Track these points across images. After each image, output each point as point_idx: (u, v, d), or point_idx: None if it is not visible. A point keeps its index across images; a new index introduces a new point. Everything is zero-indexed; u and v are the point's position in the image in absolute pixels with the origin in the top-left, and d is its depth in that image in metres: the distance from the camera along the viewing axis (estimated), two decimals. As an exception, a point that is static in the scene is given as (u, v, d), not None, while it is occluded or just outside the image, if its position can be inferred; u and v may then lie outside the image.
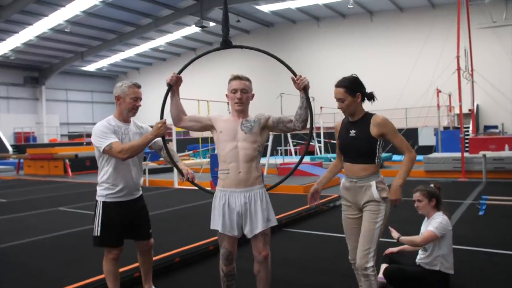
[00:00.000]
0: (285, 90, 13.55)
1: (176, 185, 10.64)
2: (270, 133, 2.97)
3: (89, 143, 22.51)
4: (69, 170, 16.16)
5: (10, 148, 24.36)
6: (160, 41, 26.73)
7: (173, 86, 2.81)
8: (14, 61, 28.47)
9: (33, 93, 31.79)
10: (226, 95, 2.81)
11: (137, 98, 3.02)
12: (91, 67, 32.55)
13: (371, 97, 2.75)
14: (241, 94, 2.70)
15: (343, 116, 2.82)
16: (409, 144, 2.73)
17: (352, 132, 2.68)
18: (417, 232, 3.38)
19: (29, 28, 22.20)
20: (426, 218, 3.38)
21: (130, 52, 28.92)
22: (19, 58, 27.92)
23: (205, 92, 21.16)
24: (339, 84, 2.67)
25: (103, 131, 2.91)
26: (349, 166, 2.72)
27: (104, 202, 2.99)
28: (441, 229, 3.12)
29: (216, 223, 2.74)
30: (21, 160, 18.97)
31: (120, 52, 28.79)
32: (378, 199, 2.62)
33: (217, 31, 25.95)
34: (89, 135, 28.34)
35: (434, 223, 3.16)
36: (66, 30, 22.17)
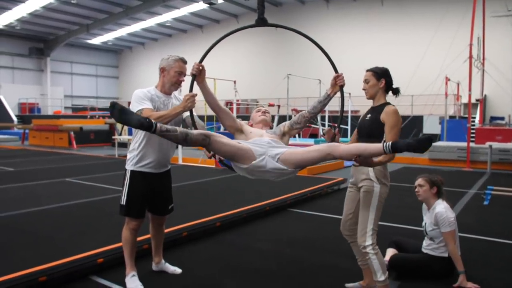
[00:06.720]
0: (292, 71, 13.47)
1: (180, 162, 10.68)
2: (276, 116, 3.06)
3: (93, 117, 22.51)
4: (74, 142, 16.21)
5: (14, 118, 24.40)
6: (167, 16, 26.37)
7: (197, 77, 2.71)
8: (20, 31, 28.22)
9: (38, 64, 31.63)
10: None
11: (182, 73, 2.97)
12: (96, 40, 32.27)
13: (395, 91, 2.91)
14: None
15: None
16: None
17: (368, 116, 2.87)
18: (418, 217, 3.39)
19: (36, -2, 21.92)
20: (424, 207, 3.36)
21: (136, 27, 28.60)
22: (24, 29, 27.67)
23: (211, 69, 21.01)
24: (369, 69, 2.95)
25: (140, 97, 2.86)
26: None
27: (132, 171, 2.97)
28: (452, 223, 3.14)
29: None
30: (26, 131, 19.03)
31: (126, 26, 28.48)
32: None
33: (225, 9, 25.60)
34: (93, 109, 28.46)
35: (443, 221, 3.13)
36: (72, 1, 21.94)
